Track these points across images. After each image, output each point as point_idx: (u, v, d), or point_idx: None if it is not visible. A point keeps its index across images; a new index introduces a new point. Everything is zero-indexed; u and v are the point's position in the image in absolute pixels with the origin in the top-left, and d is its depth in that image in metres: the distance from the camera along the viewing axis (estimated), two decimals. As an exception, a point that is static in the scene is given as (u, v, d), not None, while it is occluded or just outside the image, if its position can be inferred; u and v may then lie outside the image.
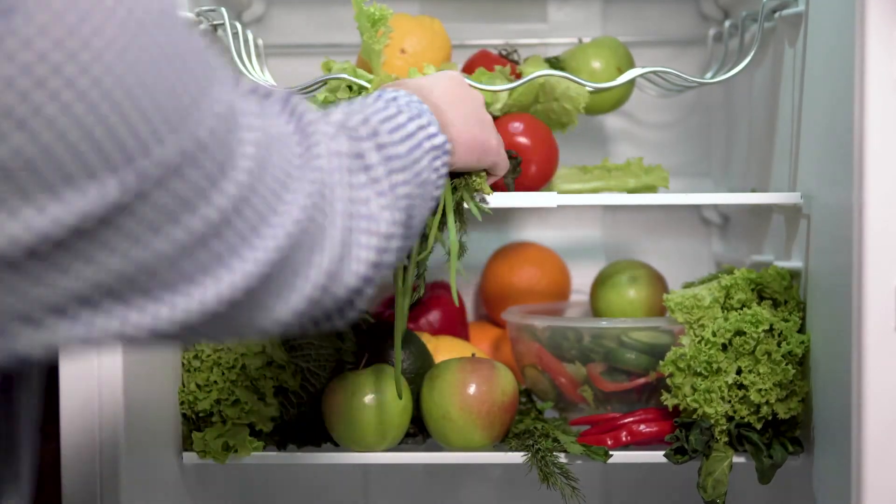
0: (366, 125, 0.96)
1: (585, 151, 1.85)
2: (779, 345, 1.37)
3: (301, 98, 0.90)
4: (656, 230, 1.90)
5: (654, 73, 1.50)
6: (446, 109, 1.14)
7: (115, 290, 0.71)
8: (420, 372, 1.49)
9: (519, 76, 1.55)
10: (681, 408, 1.40)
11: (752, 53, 1.47)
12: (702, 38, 1.82)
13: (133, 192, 0.69)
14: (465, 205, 1.33)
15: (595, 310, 1.66)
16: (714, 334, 1.38)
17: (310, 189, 0.83)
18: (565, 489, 1.39)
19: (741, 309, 1.41)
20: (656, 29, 1.87)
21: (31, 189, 0.65)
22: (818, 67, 1.36)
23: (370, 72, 1.54)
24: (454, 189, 1.31)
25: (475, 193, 1.33)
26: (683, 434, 1.39)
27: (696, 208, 1.89)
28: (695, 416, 1.39)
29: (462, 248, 1.34)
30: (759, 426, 1.38)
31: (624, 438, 1.42)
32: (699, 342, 1.39)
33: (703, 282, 1.54)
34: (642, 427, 1.43)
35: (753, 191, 1.65)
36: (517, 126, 1.49)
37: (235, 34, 1.49)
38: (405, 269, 1.35)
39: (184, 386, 1.45)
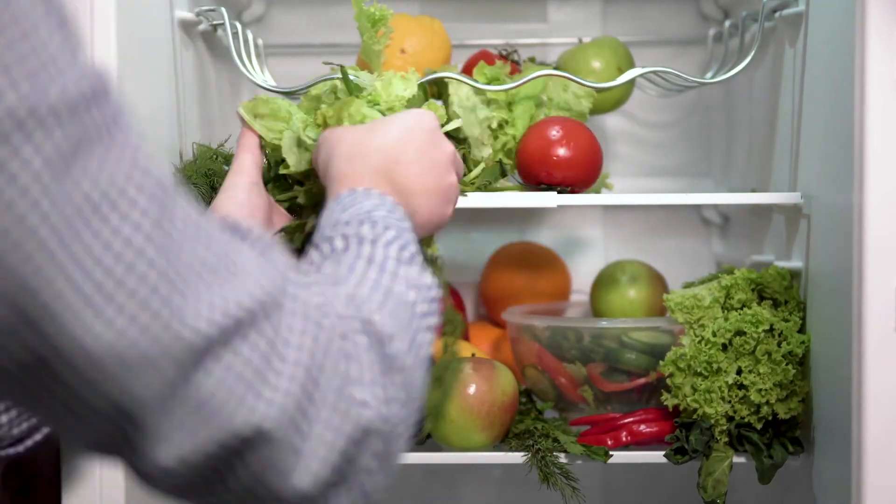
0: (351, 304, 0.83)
1: (585, 151, 1.85)
2: (779, 345, 1.37)
3: (279, 248, 0.81)
4: (656, 230, 1.90)
5: (655, 72, 1.50)
6: (417, 192, 1.06)
7: None
8: (420, 372, 1.49)
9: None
10: (681, 408, 1.40)
11: (752, 53, 1.47)
12: (702, 37, 1.82)
13: None
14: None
15: (595, 310, 1.66)
16: (714, 334, 1.38)
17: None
18: (565, 489, 1.39)
19: (741, 309, 1.41)
20: (656, 29, 1.87)
21: None
22: (818, 67, 1.36)
23: (370, 72, 1.54)
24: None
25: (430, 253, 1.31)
26: (683, 434, 1.39)
27: (697, 208, 1.89)
28: (695, 417, 1.39)
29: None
30: (759, 426, 1.38)
31: (624, 438, 1.42)
32: (699, 342, 1.39)
33: (703, 282, 1.54)
34: (642, 427, 1.43)
35: (754, 191, 1.65)
36: (555, 134, 1.44)
37: (235, 34, 1.49)
38: None
39: (184, 386, 1.44)
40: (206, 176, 1.41)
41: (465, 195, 1.34)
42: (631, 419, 1.44)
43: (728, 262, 1.73)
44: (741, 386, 1.37)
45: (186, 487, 0.75)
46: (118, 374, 0.68)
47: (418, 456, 1.46)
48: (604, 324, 1.52)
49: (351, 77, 1.47)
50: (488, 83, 1.47)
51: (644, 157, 1.90)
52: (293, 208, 1.29)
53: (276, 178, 1.29)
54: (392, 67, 1.55)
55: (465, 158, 1.46)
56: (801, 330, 1.40)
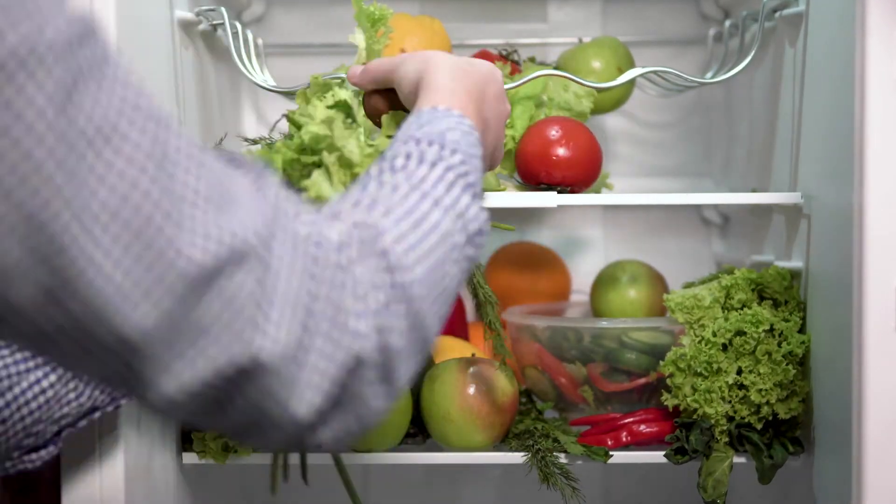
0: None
1: (585, 151, 1.85)
2: (779, 345, 1.37)
3: (273, 179, 0.82)
4: (656, 230, 1.90)
5: (655, 72, 1.50)
6: (492, 129, 1.08)
7: None
8: (420, 372, 1.48)
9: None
10: (681, 408, 1.40)
11: (752, 53, 1.47)
12: (702, 37, 1.82)
13: None
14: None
15: (595, 310, 1.66)
16: (714, 334, 1.38)
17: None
18: (565, 489, 1.39)
19: (741, 309, 1.41)
20: (656, 29, 1.87)
21: None
22: (818, 67, 1.36)
23: (370, 72, 1.54)
24: None
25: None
26: (684, 434, 1.39)
27: (697, 208, 1.89)
28: (695, 417, 1.39)
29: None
30: (759, 426, 1.38)
31: (624, 439, 1.42)
32: (699, 342, 1.39)
33: (703, 282, 1.54)
34: (643, 427, 1.42)
35: (754, 191, 1.65)
36: (555, 133, 1.44)
37: (235, 34, 1.49)
38: None
39: (183, 386, 1.44)
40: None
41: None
42: (631, 419, 1.44)
43: (728, 262, 1.73)
44: (741, 386, 1.37)
45: (191, 415, 0.77)
46: (118, 305, 0.70)
47: (418, 456, 1.46)
48: (604, 324, 1.52)
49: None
50: (488, 83, 1.47)
51: (644, 157, 1.90)
52: None
53: None
54: (392, 67, 1.55)
55: None
56: (802, 330, 1.40)
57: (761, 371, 1.36)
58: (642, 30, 1.86)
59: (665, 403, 1.41)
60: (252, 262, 0.75)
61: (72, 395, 1.11)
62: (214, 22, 1.55)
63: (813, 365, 1.37)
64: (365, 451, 1.43)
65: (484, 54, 1.64)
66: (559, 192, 1.43)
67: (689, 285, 1.53)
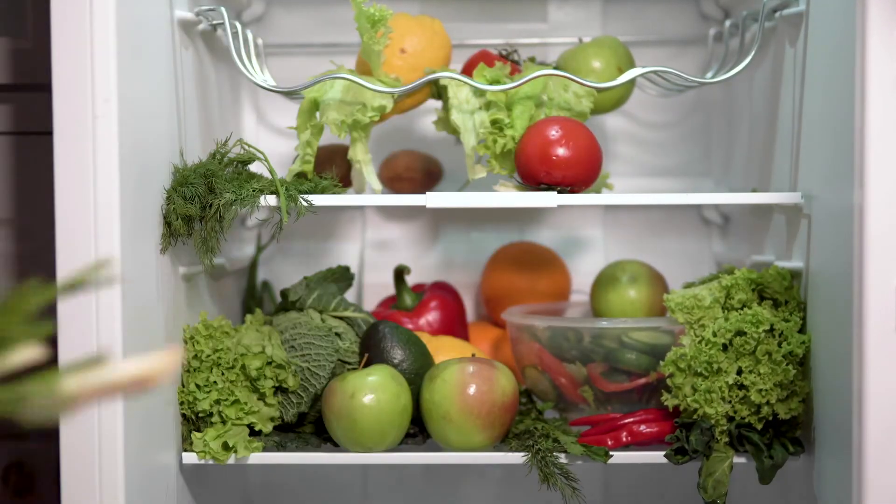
0: None
1: (585, 151, 1.84)
2: (779, 345, 1.37)
3: None
4: (656, 230, 1.90)
5: (655, 72, 1.50)
6: None
7: None
8: (420, 372, 1.49)
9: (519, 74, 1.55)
10: (681, 408, 1.40)
11: (752, 53, 1.47)
12: (702, 37, 1.82)
13: None
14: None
15: (595, 310, 1.66)
16: (714, 334, 1.38)
17: None
18: (566, 490, 1.39)
19: (742, 309, 1.41)
20: (657, 28, 1.87)
21: None
22: (819, 67, 1.36)
23: (370, 72, 1.54)
24: None
25: None
26: (684, 434, 1.39)
27: (697, 208, 1.89)
28: (695, 417, 1.39)
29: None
30: (759, 426, 1.38)
31: (624, 439, 1.42)
32: (700, 342, 1.39)
33: (703, 282, 1.54)
34: (643, 427, 1.42)
35: (754, 191, 1.65)
36: (555, 133, 1.44)
37: (235, 34, 1.49)
38: None
39: (183, 386, 1.44)
40: (204, 176, 1.41)
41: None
42: (631, 419, 1.44)
43: (728, 262, 1.72)
44: (741, 386, 1.37)
45: None
46: None
47: (418, 456, 1.45)
48: (604, 324, 1.52)
49: (353, 79, 1.47)
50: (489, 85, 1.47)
51: (644, 157, 1.90)
52: None
53: None
54: (392, 67, 1.55)
55: None
56: (802, 330, 1.40)
57: (761, 371, 1.36)
58: (642, 30, 1.86)
59: (665, 403, 1.41)
60: None
61: None
62: (214, 22, 1.55)
63: (813, 365, 1.37)
64: (365, 451, 1.43)
65: (484, 54, 1.64)
66: (559, 192, 1.43)
67: (689, 285, 1.53)
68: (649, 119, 1.90)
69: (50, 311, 1.27)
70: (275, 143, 1.84)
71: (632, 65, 1.65)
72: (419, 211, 1.88)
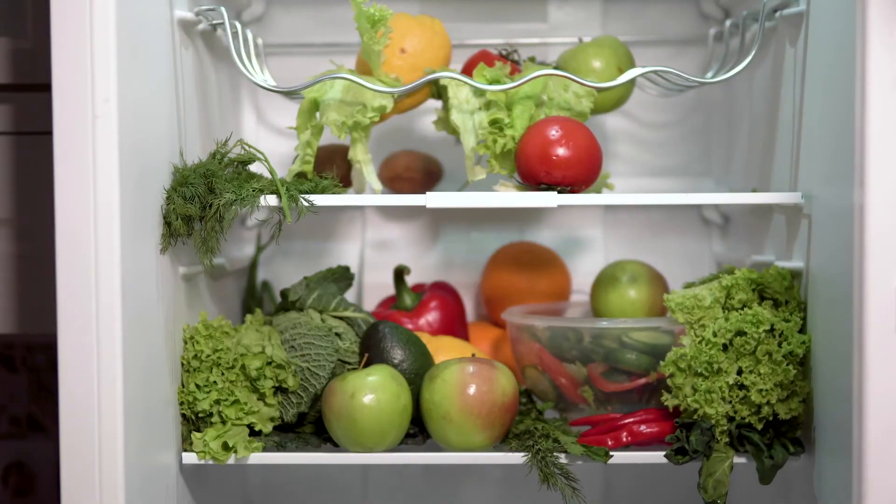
0: None
1: (586, 151, 1.84)
2: (780, 345, 1.37)
3: None
4: (656, 230, 1.90)
5: (655, 72, 1.50)
6: None
7: None
8: (420, 372, 1.49)
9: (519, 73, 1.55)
10: (681, 408, 1.40)
11: (752, 53, 1.47)
12: (702, 37, 1.82)
13: None
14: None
15: (595, 310, 1.66)
16: (715, 334, 1.38)
17: None
18: (566, 490, 1.39)
19: (742, 309, 1.41)
20: (657, 28, 1.86)
21: None
22: (819, 67, 1.36)
23: (370, 72, 1.54)
24: None
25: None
26: (684, 434, 1.39)
27: (697, 208, 1.89)
28: (695, 417, 1.39)
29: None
30: (759, 427, 1.38)
31: (624, 439, 1.42)
32: (700, 342, 1.39)
33: (703, 282, 1.54)
34: (643, 427, 1.42)
35: (754, 190, 1.65)
36: (555, 133, 1.44)
37: (235, 33, 1.49)
38: None
39: (183, 386, 1.44)
40: (203, 176, 1.41)
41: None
42: (631, 419, 1.44)
43: (728, 262, 1.72)
44: (742, 386, 1.37)
45: None
46: None
47: (418, 456, 1.45)
48: (604, 324, 1.52)
49: (353, 79, 1.47)
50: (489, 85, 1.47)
51: (644, 157, 1.90)
52: None
53: None
54: (392, 67, 1.55)
55: None
56: (802, 330, 1.40)
57: (762, 371, 1.36)
58: (642, 29, 1.86)
59: (665, 404, 1.41)
60: None
61: None
62: (214, 22, 1.55)
63: (813, 365, 1.37)
64: (365, 451, 1.43)
65: (484, 54, 1.64)
66: (559, 192, 1.43)
67: (689, 285, 1.53)
68: (649, 119, 1.90)
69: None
70: (275, 143, 1.84)
71: (632, 65, 1.65)
72: (419, 211, 1.88)
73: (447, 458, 1.46)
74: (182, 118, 1.48)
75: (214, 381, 1.43)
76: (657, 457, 1.41)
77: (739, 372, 1.37)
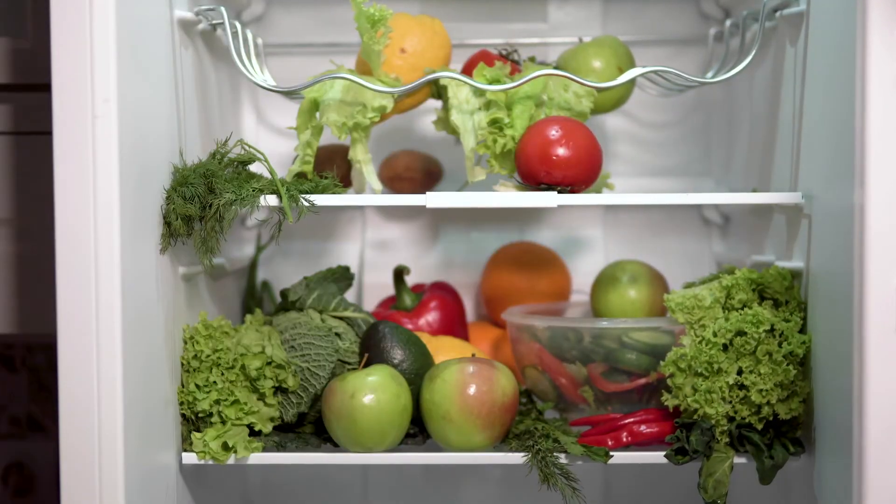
0: None
1: (586, 151, 1.84)
2: (780, 345, 1.37)
3: None
4: (656, 230, 1.90)
5: (655, 72, 1.50)
6: None
7: None
8: (420, 372, 1.49)
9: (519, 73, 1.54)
10: (682, 408, 1.40)
11: (753, 53, 1.47)
12: (702, 37, 1.82)
13: None
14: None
15: (595, 310, 1.66)
16: (715, 335, 1.38)
17: None
18: (566, 490, 1.39)
19: (742, 309, 1.41)
20: (657, 28, 1.86)
21: None
22: (819, 67, 1.36)
23: (370, 72, 1.54)
24: None
25: None
26: (684, 434, 1.39)
27: (697, 208, 1.89)
28: (695, 417, 1.39)
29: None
30: (760, 427, 1.38)
31: (625, 439, 1.42)
32: (700, 342, 1.39)
33: (703, 282, 1.54)
34: (643, 428, 1.42)
35: (754, 190, 1.65)
36: (555, 133, 1.44)
37: (235, 33, 1.49)
38: None
39: (183, 386, 1.44)
40: (203, 176, 1.40)
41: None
42: (631, 420, 1.44)
43: (729, 262, 1.72)
44: (742, 386, 1.37)
45: None
46: None
47: (418, 456, 1.45)
48: (604, 324, 1.52)
49: (353, 79, 1.47)
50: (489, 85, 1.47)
51: (644, 157, 1.90)
52: None
53: None
54: (392, 67, 1.55)
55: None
56: (802, 330, 1.40)
57: (762, 371, 1.36)
58: (642, 29, 1.86)
59: (665, 404, 1.41)
60: None
61: None
62: (214, 21, 1.55)
63: (814, 365, 1.37)
64: (365, 451, 1.43)
65: (484, 54, 1.64)
66: (559, 192, 1.43)
67: (689, 285, 1.53)
68: (649, 119, 1.90)
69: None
70: (275, 143, 1.84)
71: (632, 64, 1.65)
72: (419, 211, 1.88)
73: (447, 458, 1.45)
74: (182, 118, 1.48)
75: (214, 381, 1.43)
76: (657, 457, 1.41)
77: (739, 372, 1.37)
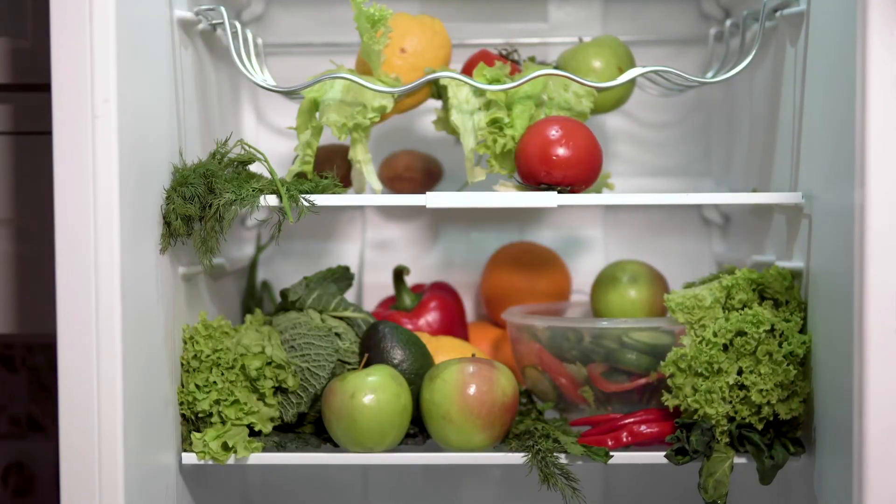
0: None
1: (586, 151, 1.84)
2: (780, 345, 1.37)
3: None
4: (656, 230, 1.90)
5: (655, 72, 1.50)
6: None
7: None
8: (420, 372, 1.49)
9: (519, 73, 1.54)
10: (682, 408, 1.40)
11: (753, 53, 1.47)
12: (702, 37, 1.82)
13: None
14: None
15: (595, 310, 1.66)
16: (715, 335, 1.38)
17: None
18: (566, 490, 1.39)
19: (742, 309, 1.41)
20: (657, 28, 1.86)
21: None
22: (819, 66, 1.36)
23: (370, 72, 1.54)
24: None
25: None
26: (684, 435, 1.39)
27: (697, 208, 1.89)
28: (696, 417, 1.39)
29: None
30: (760, 427, 1.38)
31: (625, 439, 1.42)
32: (700, 342, 1.39)
33: (703, 282, 1.54)
34: (643, 428, 1.42)
35: (755, 190, 1.65)
36: (555, 133, 1.44)
37: (235, 33, 1.49)
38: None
39: (183, 386, 1.44)
40: (203, 176, 1.40)
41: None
42: (631, 420, 1.43)
43: (729, 262, 1.72)
44: (742, 386, 1.37)
45: None
46: None
47: (418, 456, 1.45)
48: (604, 324, 1.52)
49: (353, 79, 1.47)
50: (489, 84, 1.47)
51: (644, 157, 1.90)
52: None
53: None
54: (392, 67, 1.55)
55: None
56: (803, 330, 1.40)
57: (762, 371, 1.36)
58: (642, 29, 1.86)
59: (666, 404, 1.41)
60: None
61: None
62: (214, 21, 1.55)
63: (814, 365, 1.37)
64: (365, 451, 1.43)
65: (484, 54, 1.64)
66: (559, 192, 1.43)
67: (689, 285, 1.53)
68: (649, 119, 1.90)
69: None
70: (275, 143, 1.84)
71: (632, 64, 1.65)
72: (419, 211, 1.88)
73: (447, 458, 1.45)
74: (182, 118, 1.48)
75: (214, 382, 1.43)
76: (657, 457, 1.41)
77: (740, 372, 1.37)
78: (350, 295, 1.85)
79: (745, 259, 1.64)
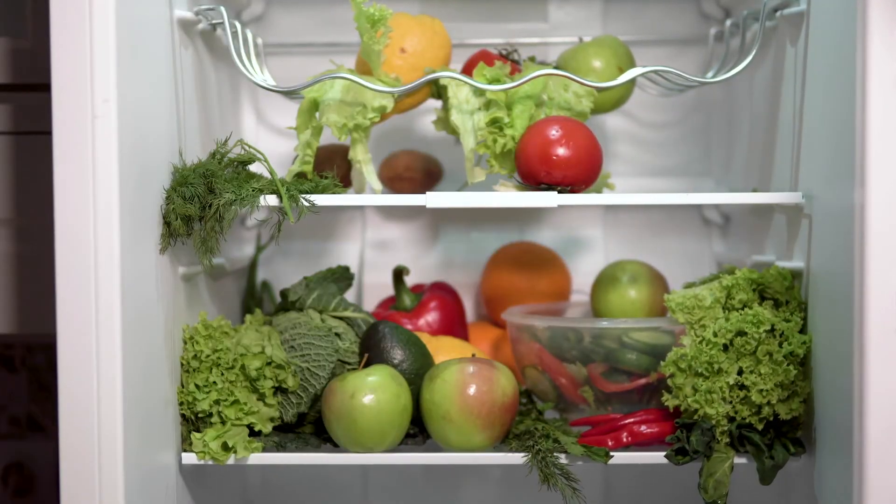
0: None
1: (586, 151, 1.84)
2: (780, 345, 1.37)
3: None
4: (656, 230, 1.90)
5: (655, 72, 1.50)
6: None
7: None
8: (420, 372, 1.48)
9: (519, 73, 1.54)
10: (682, 408, 1.40)
11: (753, 52, 1.47)
12: (703, 37, 1.82)
13: None
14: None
15: (595, 310, 1.66)
16: (715, 335, 1.38)
17: None
18: (566, 490, 1.39)
19: (742, 309, 1.41)
20: (657, 28, 1.86)
21: None
22: (820, 66, 1.36)
23: (370, 72, 1.54)
24: None
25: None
26: (684, 435, 1.39)
27: (697, 208, 1.89)
28: (696, 417, 1.39)
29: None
30: (760, 427, 1.38)
31: (625, 439, 1.42)
32: (700, 342, 1.39)
33: (704, 282, 1.54)
34: (643, 428, 1.42)
35: (755, 190, 1.65)
36: (555, 133, 1.44)
37: (235, 33, 1.49)
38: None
39: (183, 386, 1.44)
40: (203, 176, 1.40)
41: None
42: (632, 420, 1.43)
43: (729, 262, 1.72)
44: (742, 386, 1.37)
45: None
46: None
47: (418, 456, 1.45)
48: (604, 324, 1.52)
49: (353, 79, 1.47)
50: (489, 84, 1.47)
51: (644, 157, 1.90)
52: None
53: None
54: (392, 67, 1.55)
55: None
56: (803, 330, 1.40)
57: (762, 371, 1.36)
58: (643, 29, 1.86)
59: (666, 404, 1.41)
60: None
61: None
62: (214, 21, 1.55)
63: (814, 365, 1.37)
64: (365, 452, 1.43)
65: (484, 54, 1.64)
66: (559, 192, 1.43)
67: (689, 285, 1.53)
68: (649, 119, 1.90)
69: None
70: (275, 143, 1.84)
71: (632, 64, 1.65)
72: (419, 211, 1.87)
73: (447, 458, 1.45)
74: (182, 118, 1.48)
75: (214, 382, 1.43)
76: (657, 457, 1.41)
77: (740, 372, 1.37)
78: (350, 295, 1.85)
79: (746, 259, 1.64)
